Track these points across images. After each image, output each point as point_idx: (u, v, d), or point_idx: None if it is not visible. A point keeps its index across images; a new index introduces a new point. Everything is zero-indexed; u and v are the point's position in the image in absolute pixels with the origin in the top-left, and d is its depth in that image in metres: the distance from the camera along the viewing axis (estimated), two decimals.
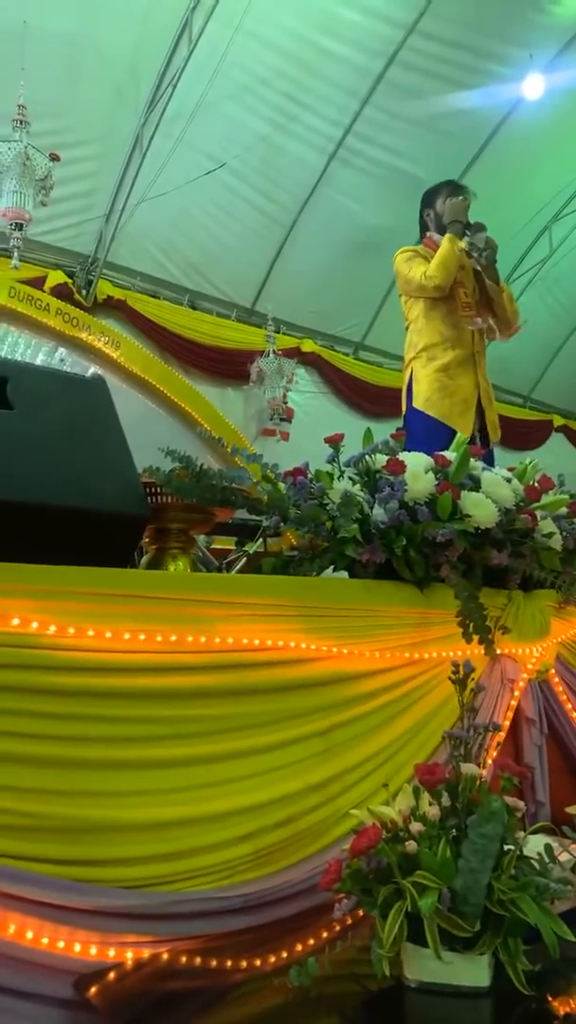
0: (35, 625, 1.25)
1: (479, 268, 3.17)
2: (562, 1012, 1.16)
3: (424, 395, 3.16)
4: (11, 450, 1.40)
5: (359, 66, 6.36)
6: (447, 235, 3.14)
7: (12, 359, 1.41)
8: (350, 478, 1.94)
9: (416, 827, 1.19)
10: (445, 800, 1.24)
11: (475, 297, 3.15)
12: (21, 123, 4.60)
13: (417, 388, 3.19)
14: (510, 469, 2.18)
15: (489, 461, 2.70)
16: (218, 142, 6.29)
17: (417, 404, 3.18)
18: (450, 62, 6.49)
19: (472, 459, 1.98)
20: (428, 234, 3.29)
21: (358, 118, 6.68)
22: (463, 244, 3.16)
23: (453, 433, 2.97)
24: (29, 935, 1.14)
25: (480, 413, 3.15)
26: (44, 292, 6.25)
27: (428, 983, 1.13)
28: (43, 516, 1.40)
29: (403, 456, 1.93)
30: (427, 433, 2.98)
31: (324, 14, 5.97)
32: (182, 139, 6.01)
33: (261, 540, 3.80)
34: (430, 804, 1.23)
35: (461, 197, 3.17)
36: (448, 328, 3.14)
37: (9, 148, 4.48)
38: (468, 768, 1.26)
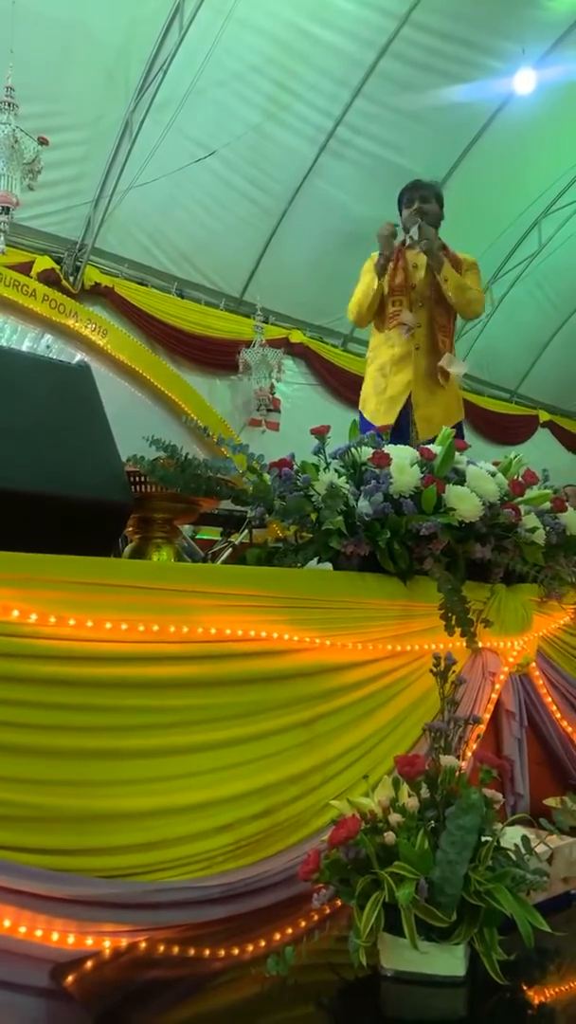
0: (16, 613, 1.24)
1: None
2: (536, 1002, 1.18)
3: (363, 395, 3.20)
4: None
5: (351, 56, 6.33)
6: (367, 262, 3.15)
7: None
8: (336, 470, 1.94)
9: (395, 818, 1.19)
10: (424, 792, 1.24)
11: (427, 292, 3.09)
12: (9, 105, 4.53)
13: (363, 388, 3.22)
14: (495, 463, 2.19)
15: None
16: (208, 129, 6.24)
17: (360, 404, 3.21)
18: (442, 54, 6.47)
19: (457, 453, 1.99)
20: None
21: (349, 109, 6.64)
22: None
23: (370, 425, 3.00)
24: (6, 923, 1.14)
25: (412, 408, 3.05)
26: (31, 278, 6.18)
27: (404, 972, 1.14)
28: (25, 503, 1.39)
29: (389, 449, 1.93)
30: (361, 432, 3.01)
31: (317, 2, 5.93)
32: (172, 125, 5.95)
33: (246, 531, 3.80)
34: (409, 795, 1.24)
35: (414, 207, 3.16)
36: (389, 328, 3.14)
37: None
38: (448, 760, 1.27)
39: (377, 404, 3.09)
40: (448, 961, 1.13)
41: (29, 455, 1.42)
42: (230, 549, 3.93)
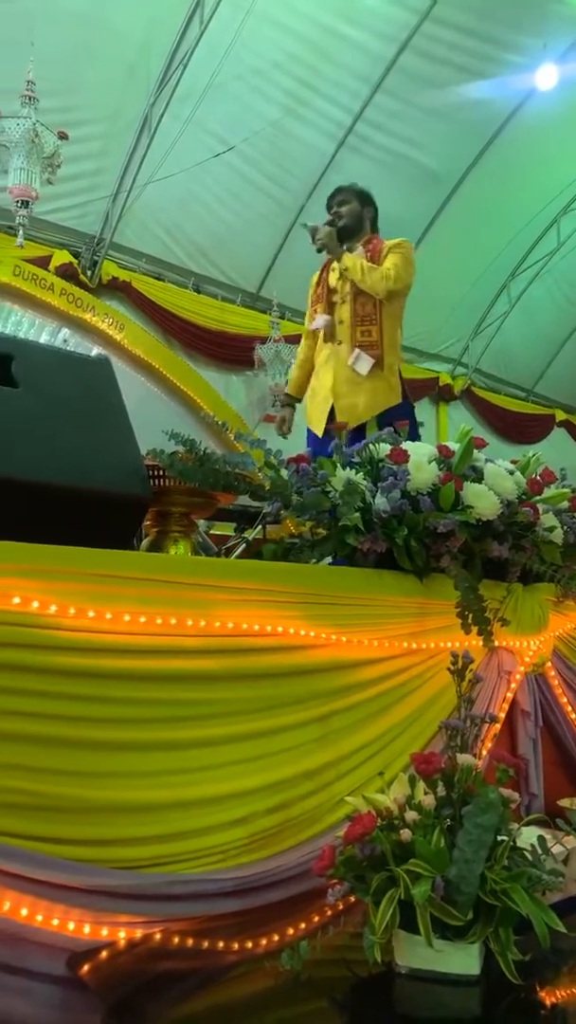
0: (36, 604, 1.24)
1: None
2: (550, 1002, 1.17)
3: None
4: (14, 428, 1.39)
5: (372, 51, 6.30)
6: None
7: (17, 337, 1.40)
8: (353, 467, 1.93)
9: (411, 815, 1.19)
10: (440, 789, 1.24)
11: (347, 288, 3.08)
12: (30, 99, 4.54)
13: None
14: (513, 462, 2.18)
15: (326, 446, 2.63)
16: (227, 124, 6.23)
17: None
18: (463, 50, 6.42)
19: (476, 451, 1.98)
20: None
21: (369, 104, 6.61)
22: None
23: (314, 435, 3.05)
24: (24, 912, 1.15)
25: (335, 401, 3.06)
26: (49, 271, 6.21)
27: (419, 970, 1.14)
28: (45, 495, 1.40)
29: (407, 446, 1.92)
30: (308, 444, 3.06)
31: None
32: (191, 120, 5.95)
33: (260, 527, 3.80)
34: (425, 793, 1.23)
35: (331, 213, 3.19)
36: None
37: (18, 124, 4.42)
38: (464, 758, 1.26)
39: (311, 409, 3.13)
40: (463, 960, 1.13)
41: (50, 447, 1.42)
42: (244, 545, 3.93)
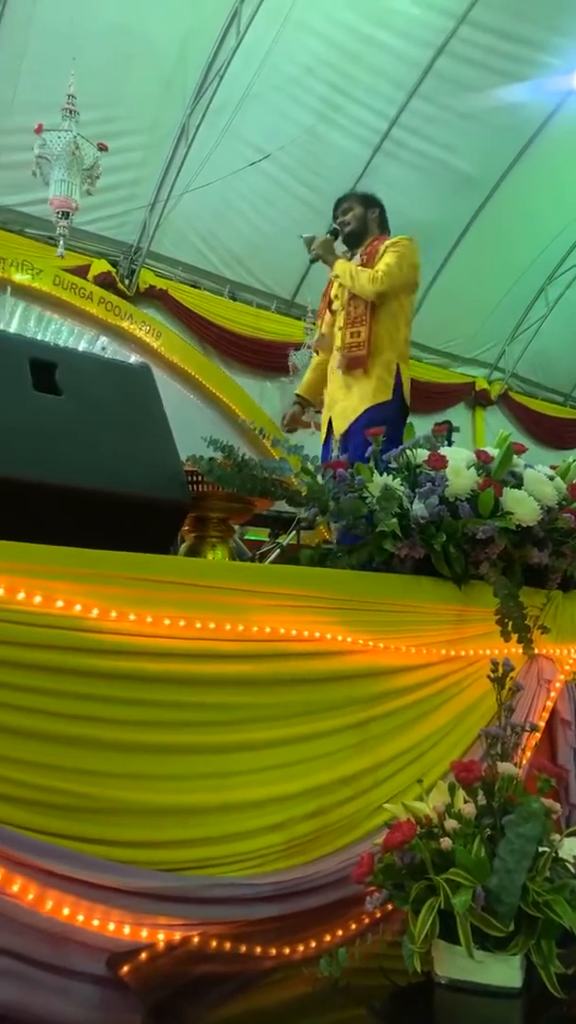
0: (78, 608, 1.26)
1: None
2: None
3: None
4: (59, 435, 1.42)
5: (407, 57, 6.28)
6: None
7: (61, 345, 1.43)
8: (390, 472, 1.93)
9: (451, 824, 1.18)
10: (481, 798, 1.23)
11: (343, 294, 3.06)
12: (71, 113, 4.62)
13: None
14: (552, 467, 2.15)
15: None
16: (263, 133, 6.27)
17: None
18: (500, 53, 6.38)
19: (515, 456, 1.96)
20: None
21: (405, 110, 6.60)
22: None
23: (326, 444, 3.04)
24: (65, 911, 1.17)
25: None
26: (88, 280, 6.31)
27: (459, 981, 1.13)
28: (88, 500, 1.42)
29: (445, 451, 1.91)
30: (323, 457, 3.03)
31: (373, 3, 5.91)
32: (228, 129, 6.00)
33: (294, 532, 3.81)
34: (465, 801, 1.22)
35: (335, 223, 3.17)
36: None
37: (59, 137, 4.51)
38: (505, 767, 1.25)
39: (324, 418, 3.13)
40: (504, 971, 1.12)
41: (92, 454, 1.45)
42: (278, 550, 3.94)
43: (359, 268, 2.98)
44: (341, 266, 3.02)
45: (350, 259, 3.09)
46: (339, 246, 3.20)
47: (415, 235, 3.09)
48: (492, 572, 1.79)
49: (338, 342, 3.03)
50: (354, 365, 2.93)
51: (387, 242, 3.04)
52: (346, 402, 2.99)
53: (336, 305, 3.11)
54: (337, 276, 3.02)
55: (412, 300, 3.13)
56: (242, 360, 7.28)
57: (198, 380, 6.94)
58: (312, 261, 3.17)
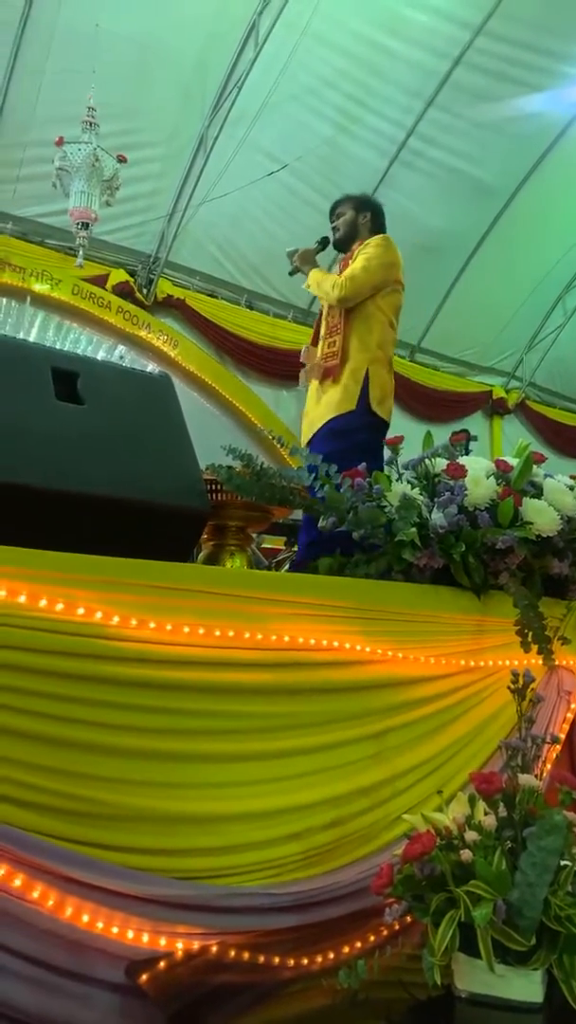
0: (99, 615, 1.27)
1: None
2: None
3: None
4: (81, 444, 1.43)
5: (424, 67, 6.31)
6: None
7: (83, 355, 1.44)
8: (408, 481, 1.93)
9: (471, 836, 1.17)
10: (501, 810, 1.22)
11: (323, 305, 3.04)
12: (91, 125, 4.69)
13: None
14: (573, 477, 2.14)
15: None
16: (280, 143, 6.31)
17: None
18: (517, 63, 6.39)
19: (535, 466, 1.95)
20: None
21: (422, 119, 6.62)
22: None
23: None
24: (85, 918, 1.17)
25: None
26: (106, 290, 6.37)
27: (479, 995, 1.12)
28: (109, 509, 1.43)
29: (464, 460, 1.91)
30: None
31: (391, 15, 5.94)
32: (245, 140, 6.05)
33: None
34: (486, 813, 1.21)
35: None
36: None
37: (79, 149, 4.58)
38: (526, 779, 1.24)
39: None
40: (525, 986, 1.10)
41: (113, 462, 1.46)
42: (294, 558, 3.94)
43: (326, 276, 2.95)
44: (312, 276, 2.99)
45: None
46: (330, 254, 3.15)
47: (390, 235, 3.03)
48: (512, 582, 1.78)
49: (318, 353, 2.99)
50: (326, 375, 2.89)
51: (363, 244, 2.97)
52: (314, 412, 2.95)
53: (322, 318, 3.07)
54: (308, 287, 3.01)
55: (394, 301, 3.00)
56: (258, 369, 7.31)
57: (215, 388, 6.97)
58: (291, 273, 3.12)
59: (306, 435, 2.96)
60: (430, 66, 6.31)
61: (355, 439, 2.65)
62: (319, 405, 2.93)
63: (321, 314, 3.12)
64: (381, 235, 3.00)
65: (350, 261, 2.96)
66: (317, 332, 3.11)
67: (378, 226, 3.13)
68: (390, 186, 6.95)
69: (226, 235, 6.87)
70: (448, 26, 6.10)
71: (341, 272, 2.96)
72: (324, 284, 2.92)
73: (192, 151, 6.21)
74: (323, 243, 3.12)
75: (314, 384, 2.99)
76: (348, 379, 2.86)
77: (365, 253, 2.91)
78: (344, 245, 3.08)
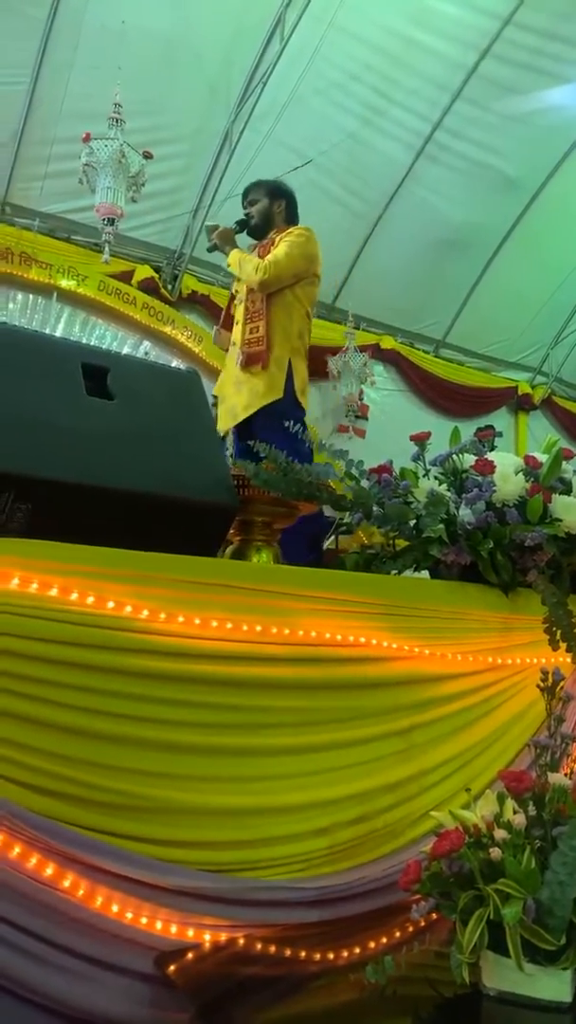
0: (129, 609, 1.28)
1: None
2: None
3: None
4: (111, 439, 1.44)
5: (451, 59, 6.25)
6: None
7: (112, 351, 1.45)
8: (435, 477, 1.92)
9: (500, 834, 1.17)
10: (531, 809, 1.21)
11: (242, 287, 3.02)
12: (117, 121, 4.71)
13: None
14: None
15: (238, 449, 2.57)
16: (306, 138, 6.29)
17: None
18: (546, 54, 6.30)
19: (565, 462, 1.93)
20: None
21: (448, 112, 6.56)
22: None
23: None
24: (114, 908, 1.18)
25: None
26: (131, 286, 6.40)
27: (507, 993, 1.11)
28: (139, 504, 1.44)
29: (492, 456, 1.89)
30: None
31: (418, 7, 5.89)
32: (270, 135, 6.04)
33: (333, 537, 3.81)
34: (515, 812, 1.21)
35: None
36: None
37: (105, 146, 4.60)
38: (557, 778, 1.23)
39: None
40: (554, 986, 1.10)
41: (144, 458, 1.47)
42: None
43: (248, 257, 2.93)
44: (233, 255, 2.97)
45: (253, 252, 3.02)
46: (245, 239, 3.13)
47: (312, 227, 3.05)
48: (540, 580, 1.76)
49: (236, 337, 2.96)
50: (252, 361, 2.87)
51: (284, 232, 2.97)
52: (236, 399, 2.92)
53: (237, 300, 3.05)
54: (228, 266, 3.00)
55: (311, 292, 3.01)
56: None
57: None
58: (210, 250, 3.12)
59: (226, 421, 2.93)
60: (457, 58, 6.25)
61: (284, 427, 2.64)
62: (240, 393, 2.92)
63: (233, 299, 3.12)
64: (304, 227, 3.02)
65: (271, 248, 2.94)
66: (229, 315, 3.08)
67: (292, 214, 3.12)
68: (415, 180, 6.90)
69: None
70: (477, 17, 6.03)
71: (259, 256, 2.96)
72: (246, 266, 2.91)
73: (217, 146, 6.21)
74: (241, 225, 3.10)
75: (231, 371, 2.97)
76: (274, 367, 2.87)
77: (288, 241, 2.91)
78: (258, 233, 3.06)
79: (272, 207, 3.09)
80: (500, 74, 6.33)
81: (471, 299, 7.72)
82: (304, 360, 2.99)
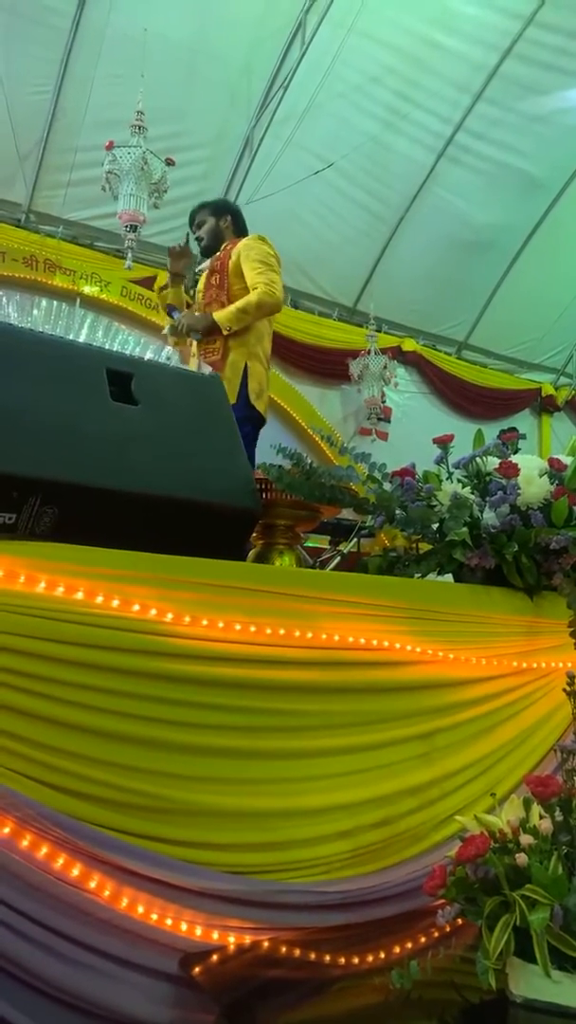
0: (153, 612, 1.29)
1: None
2: None
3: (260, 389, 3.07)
4: (136, 444, 1.45)
5: (473, 60, 6.22)
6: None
7: (135, 356, 1.46)
8: (459, 480, 1.91)
9: (526, 839, 1.16)
10: (558, 814, 1.20)
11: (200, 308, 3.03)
12: (139, 129, 4.75)
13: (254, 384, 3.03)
14: None
15: None
16: (327, 142, 6.30)
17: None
18: (569, 53, 6.25)
19: None
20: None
21: (470, 113, 6.53)
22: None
23: None
24: (140, 909, 1.19)
25: None
26: (154, 292, 6.43)
27: (535, 1000, 1.10)
28: (163, 507, 1.45)
29: (516, 459, 1.88)
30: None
31: (439, 9, 5.87)
32: (291, 140, 6.06)
33: (355, 540, 3.80)
34: (541, 817, 1.20)
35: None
36: None
37: (128, 153, 4.65)
38: None
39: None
40: None
41: (168, 462, 1.48)
42: (339, 558, 3.94)
43: (230, 307, 2.84)
44: (222, 317, 2.83)
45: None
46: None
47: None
48: (566, 583, 1.75)
49: (194, 348, 2.92)
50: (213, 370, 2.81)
51: (238, 247, 2.96)
52: None
53: (196, 306, 3.05)
54: (229, 328, 2.84)
55: None
56: (302, 367, 7.31)
57: None
58: (182, 336, 2.97)
59: None
60: (478, 59, 6.22)
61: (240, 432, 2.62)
62: None
63: (192, 304, 3.12)
64: (254, 236, 3.04)
65: (227, 261, 2.96)
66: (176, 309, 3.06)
67: (240, 226, 3.16)
68: (437, 182, 6.88)
69: (272, 235, 6.81)
70: (498, 17, 6.01)
71: (213, 269, 2.98)
72: (241, 310, 2.83)
73: (238, 152, 6.24)
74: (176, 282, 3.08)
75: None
76: (229, 372, 2.86)
77: (254, 259, 2.92)
78: (210, 252, 3.09)
79: (219, 224, 3.14)
80: (522, 74, 6.30)
81: (494, 300, 7.67)
82: (262, 365, 2.95)
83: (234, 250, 2.99)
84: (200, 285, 3.17)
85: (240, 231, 3.17)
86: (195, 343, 2.98)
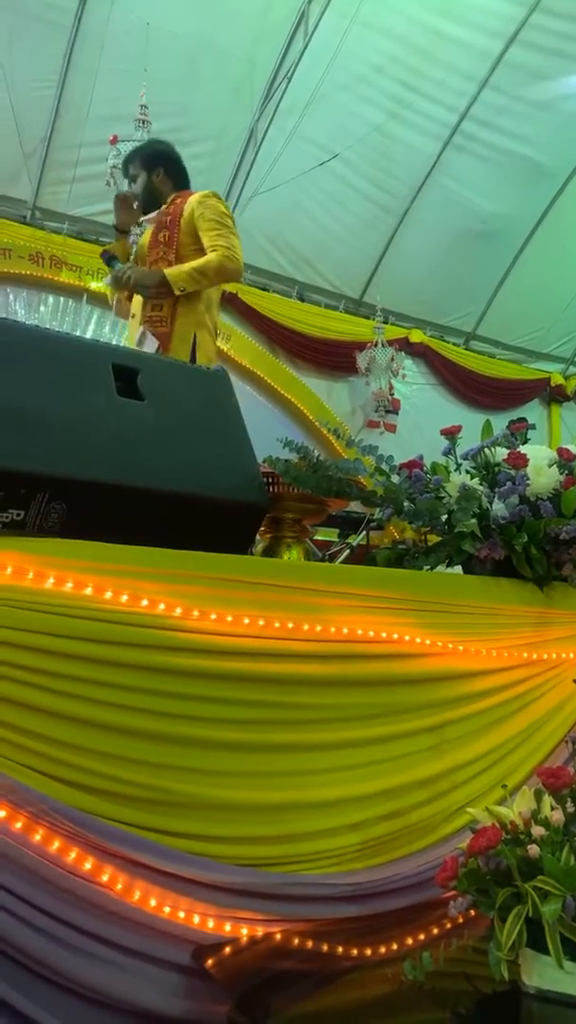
0: (162, 607, 1.30)
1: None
2: None
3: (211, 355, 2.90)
4: (142, 439, 1.46)
5: (478, 48, 6.17)
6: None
7: (142, 351, 1.46)
8: (467, 471, 1.90)
9: (538, 831, 1.16)
10: (569, 806, 1.20)
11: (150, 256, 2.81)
12: (143, 123, 4.75)
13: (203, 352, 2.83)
14: None
15: None
16: (331, 133, 6.27)
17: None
18: (573, 39, 6.20)
19: None
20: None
21: (475, 101, 6.49)
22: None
23: None
24: (152, 902, 1.20)
25: None
26: None
27: (547, 991, 1.10)
28: (171, 502, 1.45)
29: (525, 449, 1.87)
30: None
31: None
32: (295, 132, 6.03)
33: (364, 533, 3.79)
34: (552, 808, 1.19)
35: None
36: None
37: (132, 148, 4.63)
38: None
39: None
40: None
41: (175, 457, 1.48)
42: (348, 551, 3.93)
43: (185, 266, 2.62)
44: (175, 276, 2.59)
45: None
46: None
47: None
48: None
49: (136, 308, 2.72)
50: (160, 345, 2.66)
51: (191, 203, 2.70)
52: None
53: (139, 259, 2.82)
54: (183, 289, 2.61)
55: None
56: (309, 360, 7.31)
57: (267, 382, 7.00)
58: (125, 288, 2.76)
59: None
60: (483, 46, 6.18)
61: None
62: None
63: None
64: (206, 192, 2.79)
65: (179, 217, 2.71)
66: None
67: (179, 176, 2.90)
68: (442, 171, 6.84)
69: (277, 228, 6.86)
70: (502, 4, 5.96)
71: (161, 224, 2.74)
72: (199, 270, 2.60)
73: (242, 145, 6.22)
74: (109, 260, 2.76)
75: (132, 344, 2.74)
76: (178, 343, 2.68)
77: (209, 211, 2.69)
78: (151, 207, 2.82)
79: (151, 179, 2.84)
80: (527, 61, 6.25)
81: (501, 290, 7.63)
82: (211, 335, 2.76)
83: (185, 205, 2.73)
84: (144, 240, 2.87)
85: (180, 182, 2.88)
86: (136, 300, 2.77)
